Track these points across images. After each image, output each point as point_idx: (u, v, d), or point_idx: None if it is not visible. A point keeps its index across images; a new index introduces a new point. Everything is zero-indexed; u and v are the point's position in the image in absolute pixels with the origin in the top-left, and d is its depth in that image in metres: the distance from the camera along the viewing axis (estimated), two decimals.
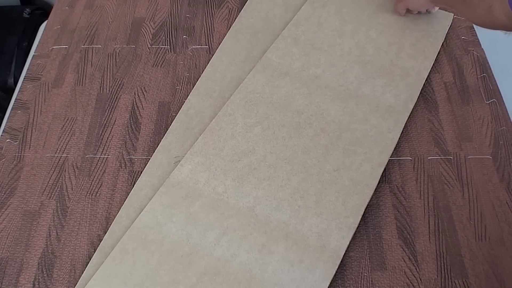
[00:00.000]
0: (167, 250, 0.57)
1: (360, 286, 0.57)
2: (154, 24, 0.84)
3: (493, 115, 0.71)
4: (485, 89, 0.74)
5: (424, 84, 0.73)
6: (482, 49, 0.79)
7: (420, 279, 0.57)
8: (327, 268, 0.56)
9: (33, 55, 0.80)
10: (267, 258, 0.57)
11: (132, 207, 0.62)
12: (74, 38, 0.82)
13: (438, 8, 0.80)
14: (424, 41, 0.78)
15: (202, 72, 0.75)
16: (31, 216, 0.62)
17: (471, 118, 0.71)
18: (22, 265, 0.59)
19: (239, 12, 0.84)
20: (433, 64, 0.76)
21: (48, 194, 0.64)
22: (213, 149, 0.65)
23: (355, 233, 0.59)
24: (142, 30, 0.83)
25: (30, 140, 0.69)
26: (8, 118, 0.72)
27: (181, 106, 0.71)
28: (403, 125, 0.68)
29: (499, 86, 0.74)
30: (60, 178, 0.65)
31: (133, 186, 0.64)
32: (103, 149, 0.68)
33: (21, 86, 0.76)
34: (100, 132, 0.70)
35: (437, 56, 0.77)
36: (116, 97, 0.74)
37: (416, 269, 0.58)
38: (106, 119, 0.71)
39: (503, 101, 0.73)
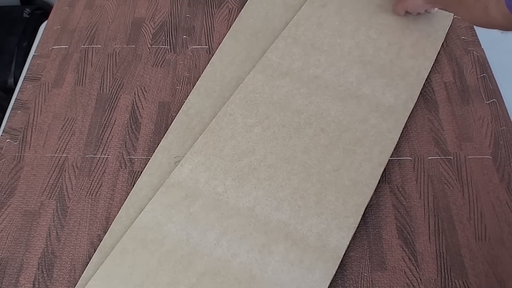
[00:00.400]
0: (167, 250, 0.57)
1: (360, 286, 0.57)
2: (154, 24, 0.84)
3: (493, 115, 0.71)
4: (485, 89, 0.74)
5: (424, 84, 0.73)
6: (482, 49, 0.79)
7: (420, 279, 0.57)
8: (327, 268, 0.56)
9: (33, 55, 0.80)
10: (267, 258, 0.57)
11: (132, 207, 0.62)
12: (74, 38, 0.82)
13: (437, 8, 0.80)
14: (424, 41, 0.78)
15: (202, 72, 0.75)
16: (31, 216, 0.62)
17: (471, 118, 0.71)
18: (22, 265, 0.59)
19: (239, 12, 0.84)
20: (433, 64, 0.76)
21: (48, 194, 0.64)
22: (213, 149, 0.65)
23: (355, 233, 0.59)
24: (142, 30, 0.83)
25: (30, 140, 0.69)
26: (8, 118, 0.72)
27: (181, 106, 0.71)
28: (403, 125, 0.68)
29: (499, 86, 0.75)
30: (60, 178, 0.65)
31: (133, 186, 0.64)
32: (103, 149, 0.68)
33: (21, 86, 0.76)
34: (100, 132, 0.70)
35: (437, 56, 0.77)
36: (116, 97, 0.74)
37: (416, 269, 0.58)
38: (106, 119, 0.71)
39: (503, 101, 0.73)
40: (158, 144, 0.67)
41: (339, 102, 0.70)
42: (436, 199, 0.63)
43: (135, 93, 0.74)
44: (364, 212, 0.61)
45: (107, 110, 0.72)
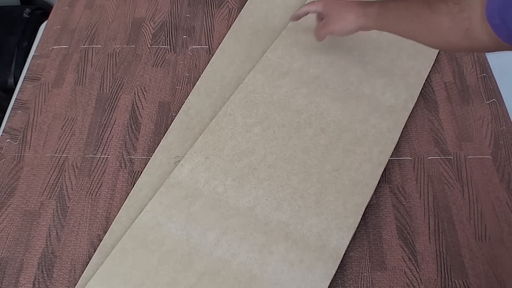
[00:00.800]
0: (167, 250, 0.57)
1: (360, 286, 0.57)
2: (154, 24, 0.84)
3: (493, 115, 0.71)
4: (485, 89, 0.74)
5: (424, 84, 0.73)
6: None
7: (420, 279, 0.57)
8: (327, 268, 0.56)
9: (33, 55, 0.80)
10: (267, 258, 0.57)
11: (132, 207, 0.62)
12: (74, 38, 0.82)
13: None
14: None
15: (202, 72, 0.75)
16: (31, 216, 0.62)
17: (471, 118, 0.71)
18: (22, 265, 0.58)
19: (239, 12, 0.84)
20: (433, 64, 0.76)
21: (48, 194, 0.64)
22: (213, 149, 0.65)
23: (355, 233, 0.59)
24: (142, 30, 0.83)
25: (30, 140, 0.69)
26: (8, 118, 0.72)
27: (181, 106, 0.71)
28: (403, 125, 0.68)
29: (499, 86, 0.74)
30: (60, 178, 0.65)
31: (133, 186, 0.64)
32: (103, 149, 0.68)
33: (21, 86, 0.76)
34: (100, 132, 0.70)
35: (437, 56, 0.77)
36: (116, 97, 0.74)
37: (416, 269, 0.58)
38: (106, 119, 0.71)
39: (503, 101, 0.73)
40: (158, 144, 0.67)
41: (339, 102, 0.70)
42: (436, 199, 0.63)
43: (135, 93, 0.74)
44: (364, 212, 0.61)
45: (107, 110, 0.72)
